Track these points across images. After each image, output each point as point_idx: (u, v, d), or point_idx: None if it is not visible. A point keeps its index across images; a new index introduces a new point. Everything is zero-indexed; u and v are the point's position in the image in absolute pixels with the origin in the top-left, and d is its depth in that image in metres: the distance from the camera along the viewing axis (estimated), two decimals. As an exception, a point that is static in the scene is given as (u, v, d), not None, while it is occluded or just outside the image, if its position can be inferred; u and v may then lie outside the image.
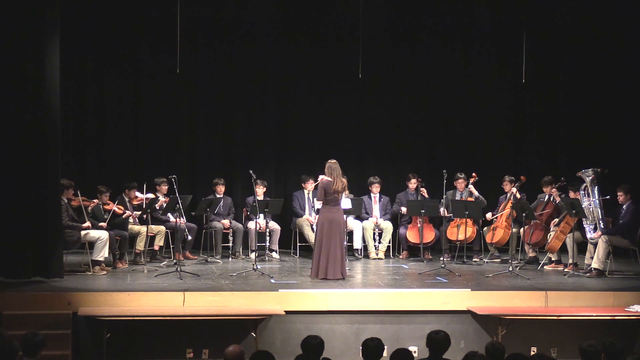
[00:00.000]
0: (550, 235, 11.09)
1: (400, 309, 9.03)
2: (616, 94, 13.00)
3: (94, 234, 10.35)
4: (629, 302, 9.10)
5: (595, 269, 10.37)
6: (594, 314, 8.87)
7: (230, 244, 11.99)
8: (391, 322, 9.00)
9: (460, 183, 12.11)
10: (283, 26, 12.95)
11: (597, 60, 13.02)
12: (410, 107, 13.35)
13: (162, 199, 11.45)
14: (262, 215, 11.33)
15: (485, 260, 11.74)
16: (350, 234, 11.86)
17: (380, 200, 12.38)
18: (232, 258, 11.83)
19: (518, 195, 11.65)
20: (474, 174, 12.04)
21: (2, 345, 5.72)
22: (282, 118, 13.18)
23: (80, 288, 9.14)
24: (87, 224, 10.33)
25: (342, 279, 9.87)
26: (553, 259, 11.25)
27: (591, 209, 10.70)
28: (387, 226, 12.18)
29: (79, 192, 10.46)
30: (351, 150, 13.13)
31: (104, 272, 10.29)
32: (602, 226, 10.63)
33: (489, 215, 11.87)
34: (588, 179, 10.74)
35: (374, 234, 12.18)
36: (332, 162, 10.08)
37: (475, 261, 11.76)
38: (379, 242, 12.17)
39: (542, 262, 11.25)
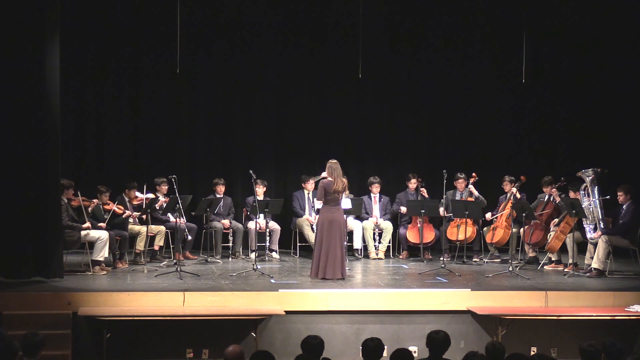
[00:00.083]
0: (550, 235, 11.09)
1: (400, 309, 9.02)
2: (616, 94, 13.00)
3: (94, 234, 10.35)
4: (629, 302, 9.10)
5: (595, 269, 10.37)
6: (594, 314, 8.87)
7: (230, 244, 11.99)
8: (391, 322, 9.00)
9: (460, 183, 12.11)
10: (283, 26, 12.95)
11: (597, 60, 13.02)
12: (410, 107, 13.35)
13: (162, 199, 11.45)
14: (262, 215, 11.33)
15: (485, 260, 11.74)
16: (350, 234, 11.86)
17: (380, 200, 12.38)
18: (232, 258, 11.83)
19: (518, 195, 11.65)
20: (474, 174, 12.04)
21: (2, 345, 5.72)
22: (282, 118, 13.18)
23: (80, 288, 9.14)
24: (87, 224, 10.33)
25: (341, 279, 9.87)
26: (553, 259, 11.26)
27: (591, 209, 10.70)
28: (387, 226, 12.18)
29: (79, 192, 10.46)
30: (351, 150, 13.13)
31: (104, 272, 10.29)
32: (602, 226, 10.63)
33: (488, 215, 11.86)
34: (588, 179, 10.74)
35: (374, 234, 12.18)
36: (333, 162, 10.08)
37: (475, 261, 11.76)
38: (379, 242, 12.17)
39: (542, 262, 11.25)
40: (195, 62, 12.77)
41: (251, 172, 10.80)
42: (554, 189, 11.37)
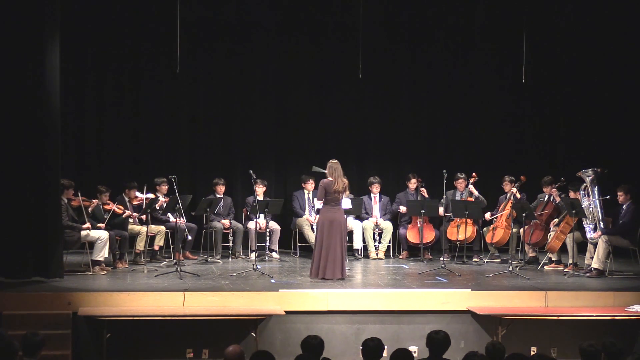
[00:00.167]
0: (550, 235, 11.09)
1: (400, 309, 9.02)
2: (616, 94, 12.99)
3: (94, 234, 10.34)
4: (629, 302, 9.10)
5: (595, 269, 10.37)
6: (594, 314, 8.87)
7: (230, 244, 11.99)
8: (391, 322, 8.99)
9: (460, 183, 12.11)
10: (283, 26, 12.96)
11: (597, 60, 13.01)
12: (410, 107, 13.35)
13: (162, 199, 11.45)
14: (262, 215, 11.32)
15: (485, 260, 11.74)
16: (350, 234, 11.85)
17: (380, 200, 12.38)
18: (232, 258, 11.83)
19: (518, 195, 11.65)
20: (474, 174, 12.04)
21: (2, 345, 5.72)
22: (282, 118, 13.18)
23: (80, 288, 9.14)
24: (87, 224, 10.33)
25: (341, 279, 9.87)
26: (553, 259, 11.25)
27: (591, 209, 10.69)
28: (387, 226, 12.18)
29: (79, 192, 10.46)
30: (351, 150, 13.13)
31: (104, 272, 10.29)
32: (602, 226, 10.63)
33: (488, 215, 11.86)
34: (588, 179, 10.74)
35: (374, 234, 12.18)
36: (334, 162, 10.08)
37: (475, 261, 11.76)
38: (379, 242, 12.17)
39: (542, 262, 11.25)
40: (195, 62, 12.77)
41: (251, 172, 10.80)
42: (554, 189, 11.37)
